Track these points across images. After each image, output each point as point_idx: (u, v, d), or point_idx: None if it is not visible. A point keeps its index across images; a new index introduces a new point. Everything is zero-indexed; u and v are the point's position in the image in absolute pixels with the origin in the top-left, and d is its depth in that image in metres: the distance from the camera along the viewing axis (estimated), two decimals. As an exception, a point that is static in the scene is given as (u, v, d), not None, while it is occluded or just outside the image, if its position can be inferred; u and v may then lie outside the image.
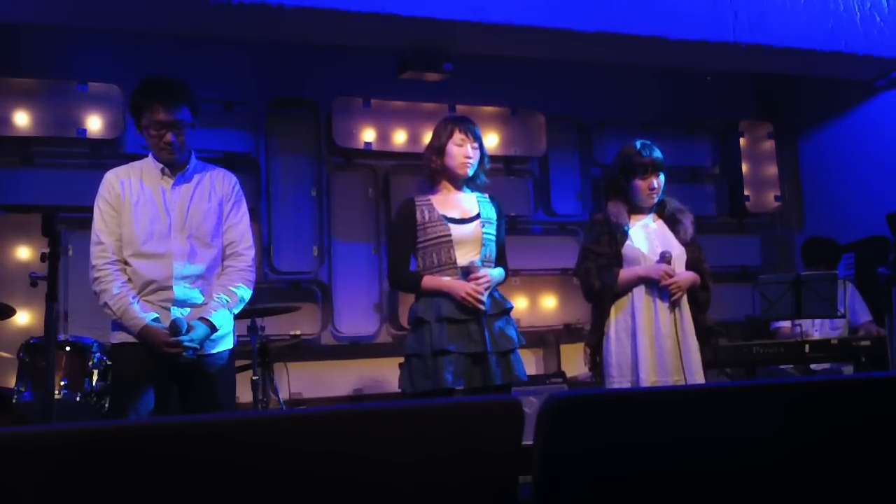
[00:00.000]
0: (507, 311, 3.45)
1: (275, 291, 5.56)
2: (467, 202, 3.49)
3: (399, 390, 3.47)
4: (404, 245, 3.46)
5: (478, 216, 3.45)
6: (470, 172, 3.47)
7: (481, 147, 3.51)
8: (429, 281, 3.37)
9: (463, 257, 3.38)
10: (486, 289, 3.33)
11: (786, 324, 5.34)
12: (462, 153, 3.44)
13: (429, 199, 3.46)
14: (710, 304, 3.77)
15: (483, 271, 3.35)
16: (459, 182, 3.49)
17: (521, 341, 3.45)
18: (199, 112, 3.19)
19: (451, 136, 3.45)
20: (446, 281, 3.34)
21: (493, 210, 3.52)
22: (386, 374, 5.54)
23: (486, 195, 3.56)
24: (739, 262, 6.67)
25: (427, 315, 3.32)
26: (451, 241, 3.38)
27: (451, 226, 3.39)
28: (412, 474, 1.24)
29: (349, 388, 5.67)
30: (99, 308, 3.14)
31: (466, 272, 3.34)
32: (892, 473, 1.43)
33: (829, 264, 5.39)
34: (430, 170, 3.49)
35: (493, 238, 3.48)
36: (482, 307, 3.30)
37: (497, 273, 3.46)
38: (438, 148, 3.46)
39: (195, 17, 4.52)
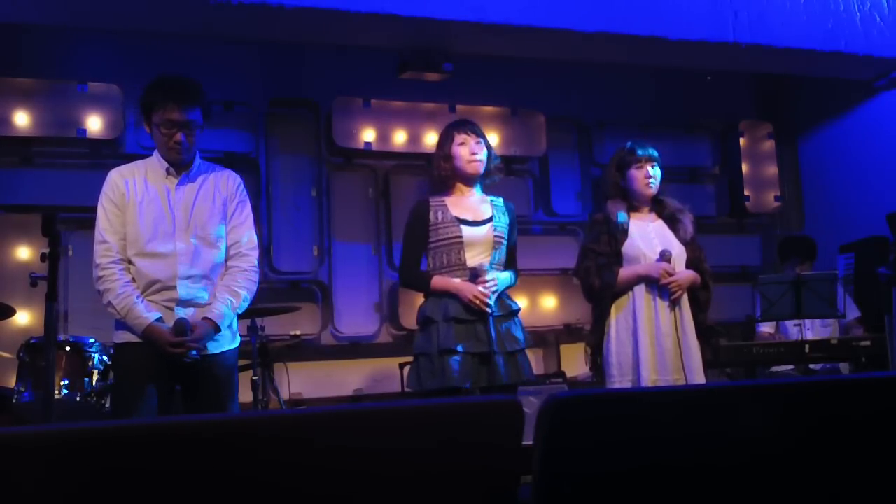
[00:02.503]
0: (514, 312, 3.48)
1: (275, 291, 5.55)
2: (481, 205, 3.53)
3: (407, 389, 3.52)
4: (416, 245, 3.50)
5: (490, 219, 3.49)
6: (481, 169, 3.51)
7: (487, 145, 3.55)
8: (438, 281, 3.41)
9: (473, 259, 3.42)
10: (493, 292, 3.36)
11: (767, 328, 5.35)
12: (467, 151, 3.48)
13: (443, 201, 3.50)
14: (711, 304, 3.78)
15: (491, 275, 3.38)
16: (472, 182, 3.53)
17: (528, 342, 3.48)
18: (210, 114, 3.19)
19: (452, 139, 3.50)
20: (455, 282, 3.38)
21: (506, 214, 3.57)
22: (386, 374, 5.54)
23: (500, 199, 3.61)
24: (739, 262, 6.67)
25: (435, 315, 3.36)
26: (461, 242, 3.42)
27: (463, 227, 3.43)
28: (412, 474, 1.24)
29: (349, 388, 5.67)
30: (100, 308, 3.13)
31: (475, 274, 3.37)
32: (890, 473, 1.43)
33: (802, 260, 5.42)
34: (441, 177, 3.53)
35: (505, 241, 3.51)
36: (488, 310, 3.34)
37: (506, 276, 3.49)
38: (445, 155, 3.51)
39: (195, 16, 4.52)
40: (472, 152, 3.48)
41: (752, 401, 1.39)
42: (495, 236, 3.46)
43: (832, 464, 1.41)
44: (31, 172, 5.24)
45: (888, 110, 6.01)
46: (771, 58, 5.40)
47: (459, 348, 3.29)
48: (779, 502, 1.38)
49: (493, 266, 3.43)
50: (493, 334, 3.33)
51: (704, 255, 3.80)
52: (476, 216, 3.48)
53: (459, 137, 3.49)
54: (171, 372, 3.08)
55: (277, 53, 5.65)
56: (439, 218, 3.45)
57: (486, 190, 3.60)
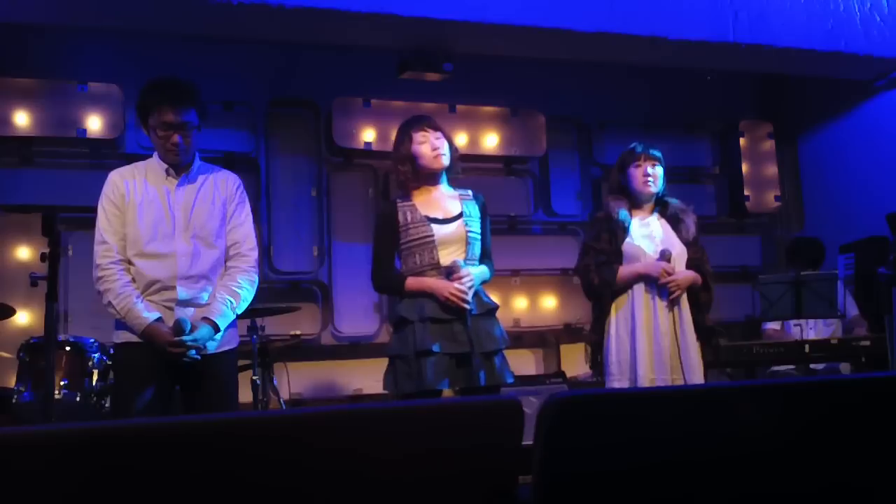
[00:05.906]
0: (492, 310, 3.38)
1: (275, 291, 5.55)
2: (449, 201, 3.42)
3: (384, 391, 3.45)
4: (387, 247, 3.38)
5: (460, 215, 3.38)
6: (445, 163, 3.38)
7: (447, 136, 3.43)
8: (413, 282, 3.30)
9: (446, 257, 3.30)
10: (469, 287, 3.27)
11: (773, 325, 5.34)
12: (429, 147, 3.36)
13: (411, 202, 3.38)
14: (712, 305, 3.78)
15: (466, 270, 3.29)
16: (437, 178, 3.41)
17: (506, 342, 3.37)
18: (206, 114, 3.19)
19: (411, 140, 3.38)
20: (430, 281, 3.28)
21: (477, 207, 3.45)
22: (386, 374, 5.54)
23: (469, 191, 3.49)
24: (739, 262, 6.67)
25: (410, 315, 3.26)
26: (433, 241, 3.31)
27: (434, 226, 3.32)
28: (412, 474, 1.24)
29: (349, 388, 5.67)
30: (100, 308, 3.14)
31: (449, 272, 3.27)
32: (890, 473, 1.43)
33: (809, 263, 5.40)
34: (403, 176, 3.41)
35: (478, 236, 3.40)
36: (467, 306, 3.24)
37: (481, 271, 3.39)
38: (402, 157, 3.39)
39: (195, 16, 4.52)
40: (434, 147, 3.35)
41: (752, 401, 1.39)
42: (468, 232, 3.35)
43: (832, 463, 1.41)
44: (31, 172, 5.25)
45: (888, 110, 6.01)
46: (771, 58, 5.40)
47: (435, 348, 3.19)
48: (778, 502, 1.38)
49: (468, 262, 3.33)
50: (470, 333, 3.22)
51: (707, 257, 3.80)
52: (446, 213, 3.36)
53: (417, 136, 3.36)
54: (171, 372, 3.08)
55: (277, 53, 5.65)
56: (409, 219, 3.33)
57: (453, 183, 3.48)
